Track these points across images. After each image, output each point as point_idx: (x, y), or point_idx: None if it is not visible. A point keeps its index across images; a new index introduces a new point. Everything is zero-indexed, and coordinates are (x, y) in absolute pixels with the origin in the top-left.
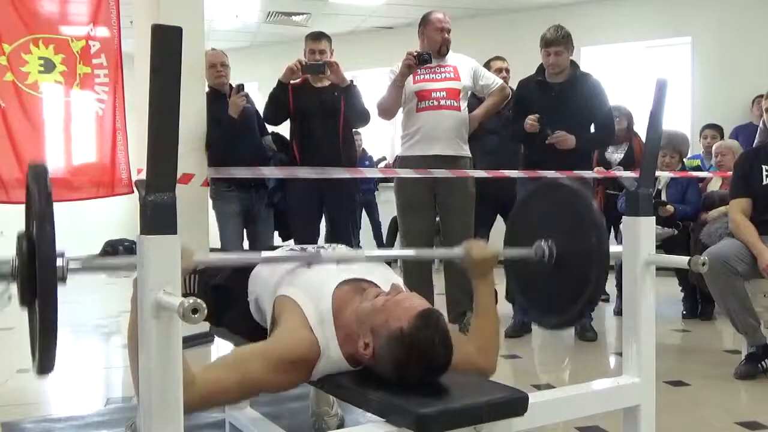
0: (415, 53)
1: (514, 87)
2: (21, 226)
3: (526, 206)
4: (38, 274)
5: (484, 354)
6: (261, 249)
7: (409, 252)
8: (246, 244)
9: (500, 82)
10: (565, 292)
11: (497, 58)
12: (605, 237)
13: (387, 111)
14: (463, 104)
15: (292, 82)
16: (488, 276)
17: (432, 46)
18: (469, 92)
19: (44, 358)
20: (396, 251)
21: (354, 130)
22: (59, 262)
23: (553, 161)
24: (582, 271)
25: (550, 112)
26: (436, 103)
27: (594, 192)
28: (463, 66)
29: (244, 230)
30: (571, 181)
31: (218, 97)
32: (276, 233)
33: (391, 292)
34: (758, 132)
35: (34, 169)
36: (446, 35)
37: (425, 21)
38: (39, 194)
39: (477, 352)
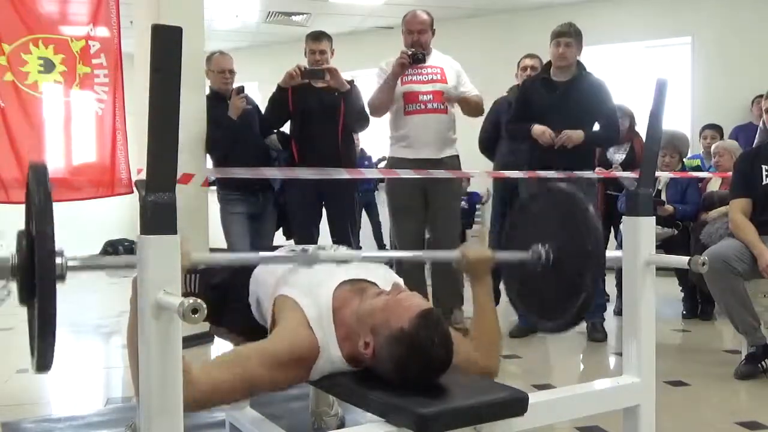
0: (410, 52)
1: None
2: (21, 226)
3: (525, 210)
4: (37, 272)
5: (487, 356)
6: (262, 248)
7: (406, 253)
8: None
9: (476, 93)
10: (561, 297)
11: (528, 55)
12: (602, 243)
13: (378, 109)
14: (450, 104)
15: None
16: (485, 277)
17: (405, 47)
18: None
19: (43, 356)
20: (391, 253)
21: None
22: (58, 260)
23: (555, 159)
24: (578, 276)
25: (553, 111)
26: (423, 107)
27: (596, 192)
28: (449, 68)
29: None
30: (569, 186)
31: (219, 99)
32: (280, 231)
33: (392, 291)
34: (758, 132)
35: (34, 168)
36: (416, 36)
37: (402, 21)
38: (39, 192)
39: (479, 354)
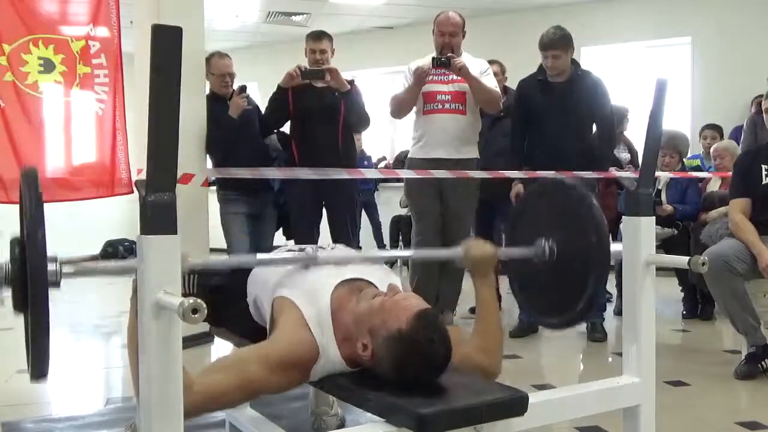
0: (433, 56)
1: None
2: None
3: (527, 205)
4: (29, 282)
5: (488, 356)
6: (263, 248)
7: (407, 253)
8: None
9: (497, 93)
10: (566, 293)
11: (489, 62)
12: (607, 238)
13: (400, 111)
14: (471, 107)
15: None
16: (489, 276)
17: (436, 48)
18: None
19: (38, 364)
20: (392, 252)
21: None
22: (52, 266)
23: (553, 163)
24: (582, 272)
25: (551, 112)
26: (440, 106)
27: (598, 192)
28: (473, 68)
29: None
30: (573, 180)
31: (219, 99)
32: (280, 231)
33: (389, 292)
34: (743, 131)
35: (25, 174)
36: (447, 38)
37: (434, 21)
38: (29, 198)
39: (480, 354)
